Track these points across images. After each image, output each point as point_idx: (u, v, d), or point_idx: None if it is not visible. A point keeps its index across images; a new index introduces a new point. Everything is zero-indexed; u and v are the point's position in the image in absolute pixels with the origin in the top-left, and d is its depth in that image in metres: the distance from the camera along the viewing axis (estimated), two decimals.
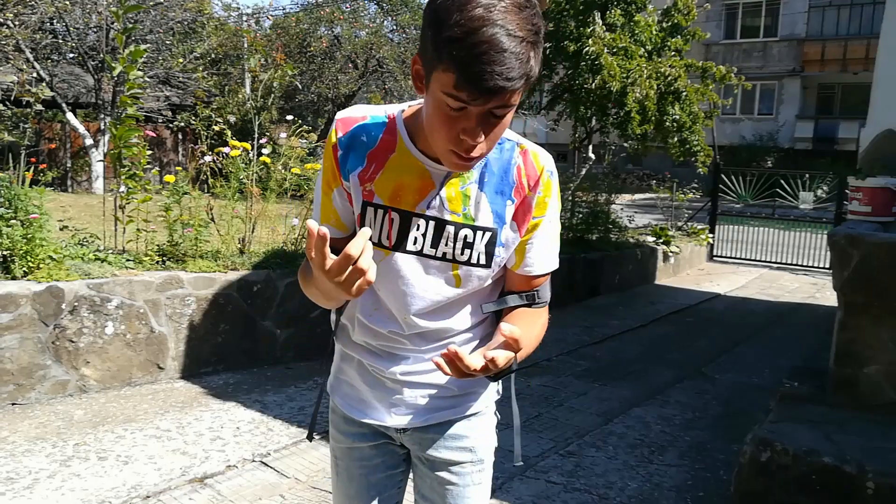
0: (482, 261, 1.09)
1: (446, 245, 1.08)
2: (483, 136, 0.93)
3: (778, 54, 23.24)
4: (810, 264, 9.74)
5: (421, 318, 1.12)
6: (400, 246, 1.08)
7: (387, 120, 1.08)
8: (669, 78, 8.38)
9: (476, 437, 1.23)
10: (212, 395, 3.72)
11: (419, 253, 1.08)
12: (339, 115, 1.10)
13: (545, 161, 1.10)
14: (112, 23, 9.92)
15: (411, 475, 1.31)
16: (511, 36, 0.85)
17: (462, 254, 1.08)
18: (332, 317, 1.25)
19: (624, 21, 8.61)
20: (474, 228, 1.07)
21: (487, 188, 1.07)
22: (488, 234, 1.08)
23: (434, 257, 1.09)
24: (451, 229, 1.07)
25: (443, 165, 1.03)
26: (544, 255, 1.14)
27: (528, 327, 1.09)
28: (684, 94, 8.48)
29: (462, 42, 0.85)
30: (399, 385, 1.18)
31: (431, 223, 1.07)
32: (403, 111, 1.09)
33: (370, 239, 0.90)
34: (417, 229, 1.07)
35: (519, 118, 23.35)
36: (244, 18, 15.78)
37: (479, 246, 1.08)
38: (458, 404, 1.21)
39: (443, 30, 0.87)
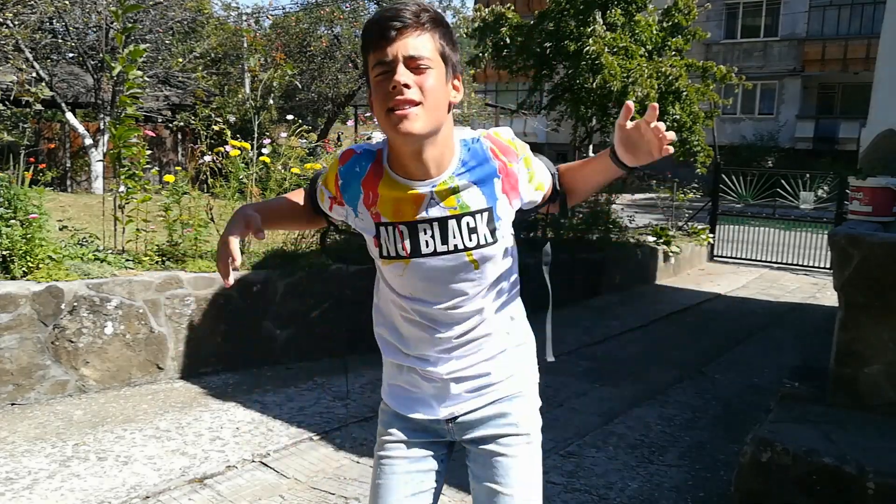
0: (489, 239, 1.24)
1: (454, 237, 1.22)
2: (411, 83, 1.10)
3: (778, 54, 23.23)
4: (811, 264, 9.73)
5: (454, 311, 1.27)
6: (416, 253, 1.23)
7: (376, 152, 1.25)
8: (670, 77, 8.38)
9: (519, 413, 1.34)
10: (211, 395, 3.72)
11: (434, 253, 1.23)
12: (341, 149, 1.35)
13: (506, 133, 1.28)
14: (112, 22, 9.92)
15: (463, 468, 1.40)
16: (399, 5, 1.12)
17: (470, 240, 1.23)
18: (377, 331, 1.39)
19: (624, 20, 8.61)
20: (472, 213, 1.22)
21: (472, 178, 1.22)
22: (486, 214, 1.23)
23: (447, 252, 1.23)
24: (453, 222, 1.21)
25: (422, 181, 1.19)
26: (542, 171, 1.33)
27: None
28: (685, 93, 8.48)
29: (369, 20, 1.15)
30: (446, 382, 1.31)
31: (435, 224, 1.21)
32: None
33: (389, 254, 1.22)
34: (425, 233, 1.22)
35: (519, 118, 23.36)
36: (244, 18, 15.76)
37: (482, 227, 1.23)
38: (500, 388, 1.33)
39: (364, 28, 1.16)
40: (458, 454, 1.40)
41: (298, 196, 1.41)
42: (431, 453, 1.36)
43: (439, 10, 1.20)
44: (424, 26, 1.13)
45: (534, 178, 1.29)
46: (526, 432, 1.33)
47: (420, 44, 1.12)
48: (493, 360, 1.32)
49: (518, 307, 1.39)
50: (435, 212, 1.21)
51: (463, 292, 1.26)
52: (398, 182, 1.21)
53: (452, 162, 1.21)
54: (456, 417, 1.33)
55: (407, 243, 1.22)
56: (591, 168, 1.35)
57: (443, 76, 1.16)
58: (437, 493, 1.38)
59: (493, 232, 1.24)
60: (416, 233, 1.22)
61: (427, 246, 1.22)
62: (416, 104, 1.11)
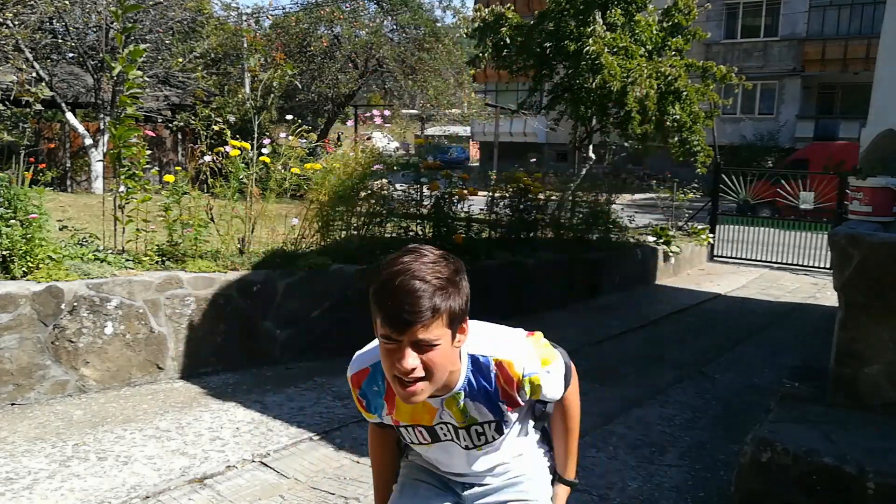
0: (496, 436, 1.38)
1: (466, 440, 1.37)
2: (417, 365, 1.14)
3: (778, 54, 23.22)
4: (811, 264, 9.73)
5: (470, 468, 1.44)
6: (435, 441, 1.39)
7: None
8: (670, 77, 8.38)
9: (530, 485, 1.48)
10: (211, 395, 3.72)
11: (452, 440, 1.39)
12: (349, 371, 1.38)
13: (519, 367, 1.31)
14: (111, 22, 9.91)
15: None
16: (417, 279, 1.12)
17: (479, 440, 1.37)
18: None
19: (624, 20, 8.60)
20: (481, 424, 1.35)
21: (478, 399, 1.32)
22: (493, 424, 1.35)
23: (462, 448, 1.39)
24: (463, 432, 1.36)
25: (433, 397, 1.28)
26: (552, 391, 1.39)
27: (565, 434, 1.48)
28: (685, 93, 8.48)
29: (382, 289, 1.14)
30: (463, 489, 1.49)
31: (449, 427, 1.36)
32: None
33: (412, 442, 1.40)
34: (442, 430, 1.37)
35: (519, 118, 23.31)
36: (244, 18, 15.76)
37: (489, 431, 1.36)
38: (514, 470, 1.48)
39: (375, 282, 1.16)
40: None
41: (379, 447, 1.54)
42: (450, 493, 1.50)
43: (452, 271, 1.17)
44: (439, 313, 1.13)
45: (538, 394, 1.36)
46: (535, 499, 1.46)
47: (430, 332, 1.13)
48: (506, 476, 1.48)
49: (533, 447, 1.51)
50: (447, 417, 1.35)
51: (474, 462, 1.43)
52: None
53: (459, 380, 1.29)
54: (472, 486, 1.49)
55: (427, 436, 1.38)
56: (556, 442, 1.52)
57: (449, 342, 1.18)
58: None
59: (499, 431, 1.37)
60: (435, 431, 1.37)
61: (445, 437, 1.38)
62: (422, 380, 1.17)
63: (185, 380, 3.91)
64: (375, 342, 1.27)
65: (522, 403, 1.35)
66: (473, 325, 1.29)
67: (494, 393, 1.30)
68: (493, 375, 1.30)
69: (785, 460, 2.45)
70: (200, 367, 4.02)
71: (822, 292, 8.01)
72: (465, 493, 1.48)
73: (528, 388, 1.31)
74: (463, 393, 1.30)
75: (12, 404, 3.34)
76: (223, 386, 3.86)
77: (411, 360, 1.13)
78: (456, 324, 1.18)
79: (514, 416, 1.37)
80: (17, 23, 9.69)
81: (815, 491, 2.39)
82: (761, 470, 2.50)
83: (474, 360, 1.29)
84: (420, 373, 1.15)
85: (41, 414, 3.28)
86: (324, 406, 3.63)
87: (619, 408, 3.85)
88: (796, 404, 2.92)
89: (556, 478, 1.51)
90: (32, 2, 9.95)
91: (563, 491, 1.51)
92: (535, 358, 1.33)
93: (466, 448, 1.38)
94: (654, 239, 8.79)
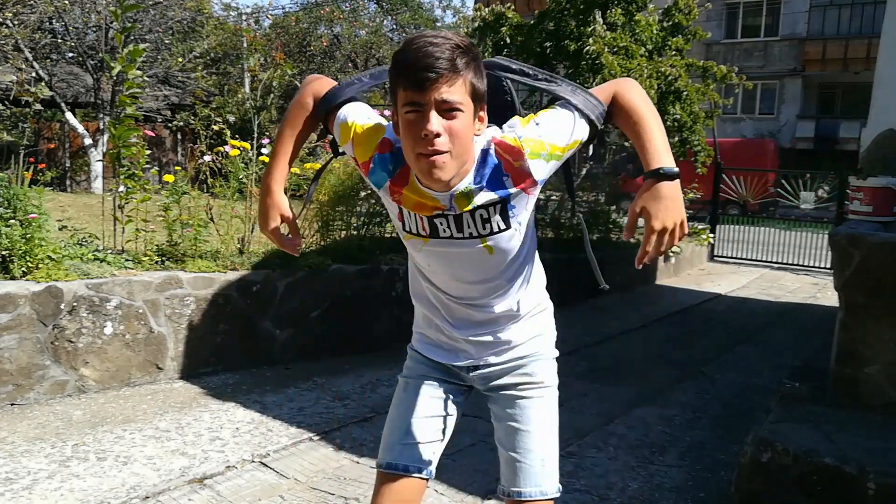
0: (502, 226, 1.30)
1: (468, 227, 1.30)
2: (442, 131, 1.14)
3: (779, 54, 23.22)
4: (811, 264, 9.73)
5: (473, 291, 1.39)
6: (434, 235, 1.33)
7: (405, 162, 1.29)
8: (670, 77, 8.37)
9: (536, 368, 1.48)
10: (211, 395, 3.71)
11: (450, 238, 1.32)
12: (386, 133, 1.33)
13: (510, 133, 1.29)
14: (111, 22, 9.91)
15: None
16: (434, 44, 1.14)
17: (484, 228, 1.30)
18: (411, 284, 1.51)
19: (624, 20, 8.60)
20: (485, 207, 1.28)
21: (484, 182, 1.27)
22: (499, 205, 1.28)
23: (463, 238, 1.31)
24: (467, 215, 1.29)
25: (444, 192, 1.25)
26: (559, 132, 1.30)
27: (636, 126, 1.28)
28: (685, 93, 8.47)
29: (401, 53, 1.16)
30: (468, 344, 1.46)
31: (451, 218, 1.30)
32: None
33: (411, 230, 1.33)
34: (441, 224, 1.31)
35: None
36: (243, 18, 15.76)
37: (495, 217, 1.29)
38: (519, 349, 1.47)
39: (393, 58, 1.18)
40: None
41: (298, 122, 1.42)
42: (451, 390, 1.50)
43: (469, 42, 1.19)
44: (459, 72, 1.14)
45: (550, 159, 1.29)
46: (541, 381, 1.48)
47: (454, 90, 1.14)
48: (512, 329, 1.45)
49: (537, 276, 1.49)
50: (451, 213, 1.29)
51: (481, 275, 1.37)
52: (421, 189, 1.28)
53: (469, 173, 1.26)
54: (477, 367, 1.47)
55: (427, 226, 1.32)
56: (636, 142, 1.31)
57: (471, 115, 1.19)
58: (449, 428, 1.50)
59: (505, 219, 1.30)
60: (434, 223, 1.31)
61: (444, 231, 1.31)
62: (445, 152, 1.17)
63: (185, 380, 3.90)
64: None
65: (531, 173, 1.27)
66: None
67: (498, 169, 1.27)
68: (495, 156, 1.27)
69: (785, 460, 2.45)
70: (200, 368, 4.02)
71: (823, 292, 8.01)
72: (472, 374, 1.48)
73: (527, 153, 1.26)
74: (472, 185, 1.27)
75: (12, 404, 3.34)
76: (223, 386, 3.86)
77: (435, 122, 1.13)
78: (478, 101, 1.19)
79: (520, 196, 1.29)
80: (16, 22, 9.68)
81: (815, 491, 2.39)
82: (761, 470, 2.50)
83: (482, 152, 1.28)
84: (444, 141, 1.15)
85: (40, 414, 3.28)
86: (323, 406, 3.63)
87: (620, 408, 3.85)
88: (797, 404, 2.92)
89: (644, 173, 1.26)
90: (32, 1, 9.95)
91: (650, 183, 1.22)
92: (522, 122, 1.31)
93: (471, 237, 1.30)
94: None
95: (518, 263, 1.40)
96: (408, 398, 1.49)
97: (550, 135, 1.29)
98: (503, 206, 1.29)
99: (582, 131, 1.31)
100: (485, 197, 1.27)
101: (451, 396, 1.50)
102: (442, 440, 1.49)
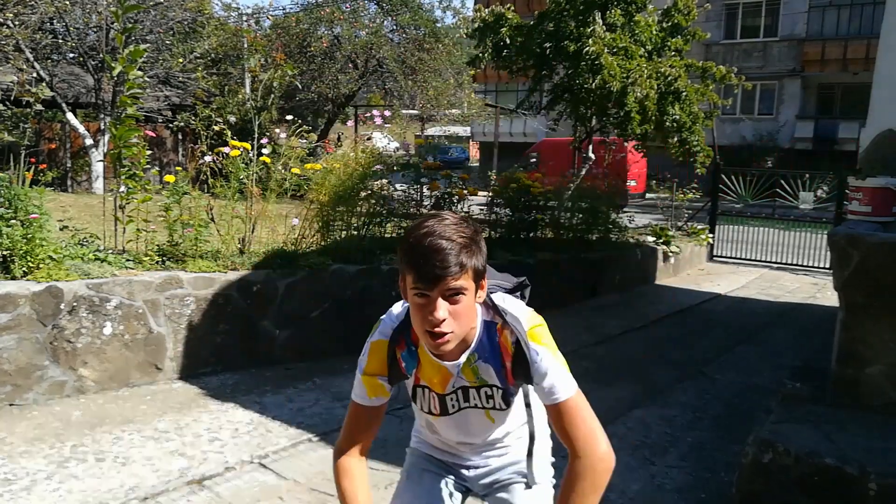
0: (502, 406, 1.46)
1: (474, 399, 1.46)
2: (447, 316, 1.27)
3: (778, 54, 23.21)
4: (811, 264, 9.72)
5: (474, 443, 1.55)
6: (444, 413, 1.48)
7: (411, 337, 1.43)
8: (669, 78, 8.37)
9: (530, 466, 1.57)
10: (210, 395, 3.71)
11: (458, 410, 1.47)
12: (389, 343, 1.44)
13: (512, 336, 1.39)
14: (112, 22, 9.91)
15: None
16: (445, 239, 1.24)
17: (487, 402, 1.46)
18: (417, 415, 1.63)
19: (624, 21, 8.59)
20: (490, 386, 1.43)
21: (488, 361, 1.41)
22: (501, 391, 1.44)
23: (469, 407, 1.47)
24: (473, 391, 1.45)
25: (451, 362, 1.39)
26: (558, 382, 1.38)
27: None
28: (684, 94, 8.46)
29: (413, 248, 1.26)
30: (467, 469, 1.61)
31: (459, 392, 1.45)
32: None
33: (423, 409, 1.48)
34: (451, 401, 1.46)
35: (519, 118, 23.28)
36: (244, 18, 15.75)
37: (497, 397, 1.44)
38: (515, 453, 1.59)
39: (404, 246, 1.28)
40: None
41: (365, 430, 1.54)
42: (451, 483, 1.61)
43: (473, 231, 1.29)
44: (465, 268, 1.26)
45: (529, 367, 1.38)
46: (535, 478, 1.56)
47: (459, 282, 1.26)
48: (507, 456, 1.59)
49: (529, 422, 1.58)
50: (459, 383, 1.43)
51: (481, 431, 1.52)
52: (433, 360, 1.41)
53: (474, 341, 1.39)
54: (477, 467, 1.59)
55: (437, 406, 1.47)
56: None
57: (473, 293, 1.30)
58: None
59: (506, 402, 1.46)
60: (445, 402, 1.46)
61: (453, 408, 1.47)
62: (450, 332, 1.29)
63: (184, 380, 3.90)
64: (391, 314, 1.45)
65: (514, 377, 1.40)
66: (496, 297, 1.44)
67: (499, 354, 1.40)
68: (497, 339, 1.41)
69: (786, 461, 2.45)
70: (199, 368, 4.01)
71: (822, 292, 8.01)
72: (469, 473, 1.59)
73: (517, 351, 1.38)
74: (476, 354, 1.40)
75: (10, 405, 3.33)
76: (222, 386, 3.86)
77: (442, 310, 1.26)
78: (479, 279, 1.31)
79: (514, 394, 1.45)
80: (17, 23, 9.68)
81: (816, 492, 2.39)
82: (762, 471, 2.50)
83: (486, 327, 1.41)
84: (449, 323, 1.28)
85: (39, 415, 3.27)
86: (323, 407, 3.63)
87: (620, 408, 3.85)
88: (797, 405, 2.92)
89: None
90: (33, 2, 9.95)
91: None
92: (529, 323, 1.39)
93: (475, 407, 1.46)
94: (654, 239, 8.78)
95: (515, 427, 1.55)
96: (412, 485, 1.59)
97: (542, 365, 1.37)
98: (504, 394, 1.44)
99: (538, 379, 1.38)
100: (488, 372, 1.41)
101: (451, 489, 1.60)
102: None
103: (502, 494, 1.57)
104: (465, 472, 1.60)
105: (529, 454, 1.56)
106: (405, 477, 1.62)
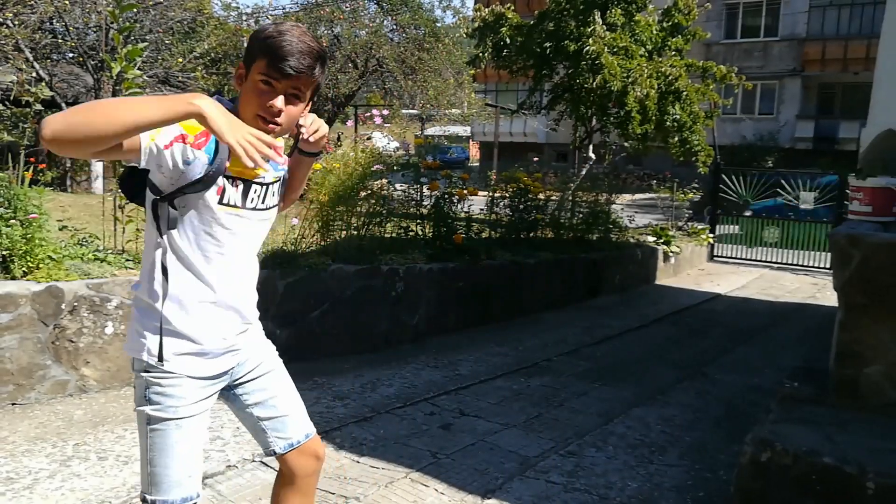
0: (276, 199, 1.63)
1: (271, 198, 1.59)
2: (283, 111, 1.38)
3: (778, 54, 23.23)
4: (811, 264, 9.74)
5: (247, 270, 1.65)
6: (244, 204, 1.53)
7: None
8: (670, 77, 8.38)
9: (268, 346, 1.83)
10: None
11: (254, 209, 1.55)
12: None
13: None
14: (111, 22, 9.92)
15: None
16: (313, 42, 1.38)
17: (272, 201, 1.60)
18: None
19: (624, 21, 8.61)
20: (281, 181, 1.62)
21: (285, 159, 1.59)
22: (280, 184, 1.62)
23: (266, 209, 1.59)
24: (273, 188, 1.57)
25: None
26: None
27: None
28: (685, 93, 8.48)
29: (274, 40, 1.35)
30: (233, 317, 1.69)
31: (263, 185, 1.54)
32: None
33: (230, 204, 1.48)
34: (255, 191, 1.52)
35: (519, 118, 23.34)
36: (244, 18, 15.76)
37: (279, 191, 1.63)
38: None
39: (262, 36, 1.37)
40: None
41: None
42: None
43: (325, 49, 1.44)
44: (315, 78, 1.39)
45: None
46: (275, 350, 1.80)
47: (304, 86, 1.40)
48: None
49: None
50: (265, 176, 1.51)
51: (253, 256, 1.61)
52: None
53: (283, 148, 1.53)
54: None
55: (240, 195, 1.48)
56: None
57: (304, 104, 1.44)
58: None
59: (279, 194, 1.61)
60: (248, 191, 1.49)
61: (250, 202, 1.50)
62: (279, 125, 1.41)
63: None
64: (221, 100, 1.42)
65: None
66: None
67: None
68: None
69: (785, 460, 2.45)
70: None
71: (822, 292, 8.02)
72: (235, 367, 1.72)
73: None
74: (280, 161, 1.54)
75: (13, 404, 3.34)
76: None
77: (280, 103, 1.37)
78: (314, 94, 1.46)
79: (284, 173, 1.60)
80: (17, 23, 9.69)
81: (815, 491, 2.39)
82: (761, 470, 2.50)
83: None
84: (281, 120, 1.40)
85: (42, 414, 3.28)
86: (323, 406, 3.63)
87: (619, 408, 3.85)
88: (797, 405, 2.92)
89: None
90: (32, 2, 9.95)
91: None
92: None
93: (267, 209, 1.54)
94: (654, 239, 8.79)
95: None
96: (192, 439, 1.59)
97: None
98: (284, 181, 1.61)
99: None
100: (282, 172, 1.56)
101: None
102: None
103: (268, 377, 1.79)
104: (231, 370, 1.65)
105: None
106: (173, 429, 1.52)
